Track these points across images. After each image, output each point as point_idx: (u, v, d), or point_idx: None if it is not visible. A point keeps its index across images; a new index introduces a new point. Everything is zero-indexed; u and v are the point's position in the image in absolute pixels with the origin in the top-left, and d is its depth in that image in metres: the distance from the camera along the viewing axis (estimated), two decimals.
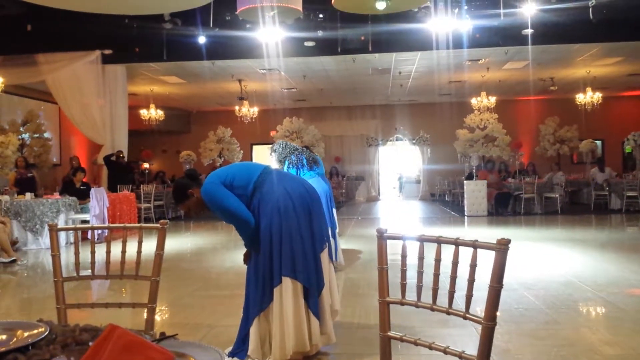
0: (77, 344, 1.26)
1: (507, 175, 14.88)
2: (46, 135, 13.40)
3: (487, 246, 1.60)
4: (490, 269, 1.57)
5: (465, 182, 13.26)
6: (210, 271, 6.77)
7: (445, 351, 1.69)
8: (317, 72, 13.85)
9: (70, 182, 10.70)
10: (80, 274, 2.28)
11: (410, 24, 10.15)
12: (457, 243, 1.68)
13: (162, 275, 2.24)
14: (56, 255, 2.19)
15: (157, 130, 17.45)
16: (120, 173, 12.52)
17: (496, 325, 1.59)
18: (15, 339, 1.28)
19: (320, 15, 10.47)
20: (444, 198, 18.55)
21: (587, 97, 14.99)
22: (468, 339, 3.68)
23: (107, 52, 11.48)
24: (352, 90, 16.71)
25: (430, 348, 1.73)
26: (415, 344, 1.77)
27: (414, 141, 19.30)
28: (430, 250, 1.70)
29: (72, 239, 8.73)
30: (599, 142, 18.81)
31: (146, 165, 19.00)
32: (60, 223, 8.82)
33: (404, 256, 1.84)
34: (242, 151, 17.35)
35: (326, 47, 11.23)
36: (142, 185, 13.15)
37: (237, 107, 16.12)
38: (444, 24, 9.69)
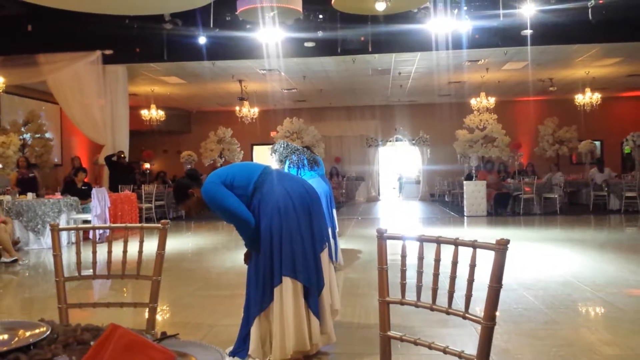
0: (79, 343, 1.26)
1: (506, 176, 14.88)
2: (47, 135, 13.41)
3: (486, 246, 1.61)
4: (489, 269, 1.58)
5: (464, 182, 13.27)
6: (211, 271, 6.77)
7: (444, 351, 1.70)
8: (317, 72, 13.85)
9: (71, 182, 10.71)
10: (82, 274, 2.29)
11: (410, 25, 10.16)
12: (456, 243, 1.70)
13: (163, 275, 2.25)
14: (58, 255, 2.20)
15: (157, 131, 17.45)
16: (122, 173, 12.53)
17: (495, 325, 1.60)
18: (16, 339, 1.28)
19: (320, 16, 10.48)
20: (443, 198, 18.55)
21: (586, 98, 14.99)
22: (467, 338, 3.69)
23: (108, 52, 11.49)
24: (351, 90, 16.72)
25: (430, 348, 1.74)
26: (415, 343, 1.78)
27: (413, 142, 19.30)
28: (429, 250, 1.71)
29: (73, 239, 8.74)
30: (598, 143, 18.80)
31: (147, 165, 19.00)
32: (62, 223, 8.82)
33: (403, 256, 1.85)
34: (242, 151, 17.36)
35: (326, 48, 11.23)
36: (143, 186, 13.15)
37: (237, 108, 16.12)
38: (444, 25, 9.70)
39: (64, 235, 8.71)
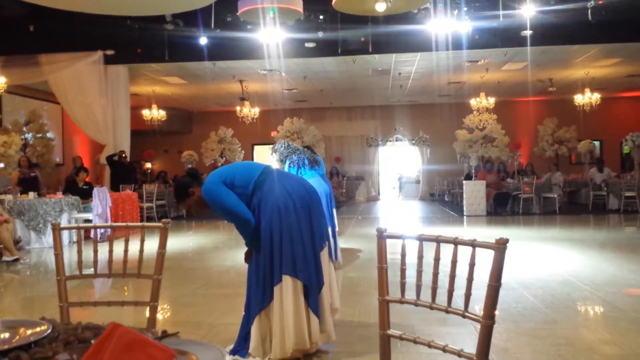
0: (80, 342, 1.27)
1: (505, 176, 14.88)
2: (49, 135, 13.43)
3: (485, 245, 1.62)
4: (489, 268, 1.59)
5: (464, 182, 13.27)
6: (211, 270, 6.78)
7: (444, 349, 1.71)
8: (318, 73, 13.86)
9: (73, 182, 10.72)
10: (83, 273, 2.30)
11: (410, 25, 10.16)
12: (456, 242, 1.70)
13: (164, 273, 2.26)
14: (59, 254, 2.21)
15: (159, 131, 17.46)
16: (123, 173, 12.55)
17: (495, 324, 1.61)
18: (17, 337, 1.29)
19: (321, 17, 10.49)
20: (443, 198, 18.55)
21: (586, 98, 14.98)
22: (467, 337, 3.70)
23: (109, 52, 11.49)
24: (352, 91, 16.72)
25: (430, 346, 1.75)
26: (415, 342, 1.79)
27: (413, 141, 19.30)
28: (429, 249, 1.72)
29: (74, 238, 8.75)
30: (597, 143, 18.81)
31: (148, 165, 19.01)
32: (63, 222, 8.83)
33: (403, 255, 1.86)
34: (243, 151, 17.36)
35: (326, 48, 11.24)
36: (144, 185, 13.17)
37: (238, 108, 16.12)
38: (444, 26, 9.71)
39: (65, 234, 8.73)
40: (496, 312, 1.63)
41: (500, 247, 1.58)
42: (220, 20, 10.14)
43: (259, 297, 3.19)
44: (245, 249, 3.39)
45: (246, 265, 3.37)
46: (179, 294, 5.34)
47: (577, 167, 17.85)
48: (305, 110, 19.20)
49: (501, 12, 9.58)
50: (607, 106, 16.69)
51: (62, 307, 2.18)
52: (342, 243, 8.13)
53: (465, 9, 9.91)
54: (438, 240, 1.76)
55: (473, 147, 14.28)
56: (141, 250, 2.22)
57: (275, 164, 5.87)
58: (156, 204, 12.91)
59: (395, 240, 1.87)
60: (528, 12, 9.61)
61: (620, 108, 18.93)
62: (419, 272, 1.80)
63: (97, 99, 11.78)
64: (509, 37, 10.74)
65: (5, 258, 7.43)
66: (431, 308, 1.78)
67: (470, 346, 1.69)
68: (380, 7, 6.62)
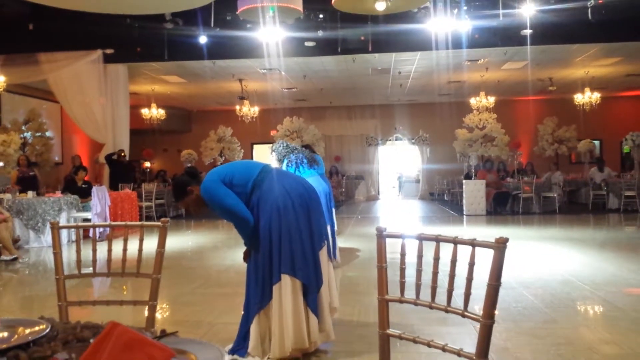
0: (79, 341, 1.27)
1: (505, 175, 14.89)
2: (48, 134, 13.41)
3: (485, 245, 1.61)
4: (488, 267, 1.58)
5: (464, 181, 13.27)
6: (210, 269, 6.78)
7: (443, 349, 1.71)
8: (317, 72, 13.85)
9: (72, 181, 10.71)
10: (82, 272, 2.29)
11: (410, 25, 10.16)
12: (455, 242, 1.70)
13: (163, 273, 2.26)
14: (58, 253, 2.21)
15: (158, 130, 17.45)
16: (122, 172, 12.54)
17: (494, 323, 1.61)
18: (16, 336, 1.29)
19: (321, 16, 10.48)
20: (443, 197, 18.55)
21: (586, 98, 14.98)
22: (466, 336, 3.70)
23: (109, 51, 11.48)
24: (352, 90, 16.72)
25: (429, 346, 1.75)
26: (414, 341, 1.79)
27: (413, 141, 19.30)
28: (429, 248, 1.72)
29: (73, 237, 8.76)
30: (597, 142, 18.81)
31: (147, 164, 19.01)
32: (62, 221, 8.82)
33: (403, 254, 1.86)
34: (242, 150, 17.36)
35: (326, 47, 11.23)
36: (143, 184, 13.17)
37: (237, 107, 16.12)
38: (443, 25, 9.70)
39: (64, 233, 8.72)
40: (496, 312, 1.62)
41: (500, 246, 1.57)
42: (220, 19, 10.13)
43: (258, 296, 3.19)
44: (244, 248, 3.39)
45: (245, 265, 3.37)
46: (178, 293, 5.34)
47: (577, 167, 17.85)
48: (305, 109, 19.19)
49: (501, 11, 9.58)
50: (607, 105, 16.68)
51: (61, 306, 2.18)
52: (342, 242, 8.13)
53: (465, 8, 9.91)
54: (438, 240, 1.75)
55: (473, 146, 14.28)
56: (140, 250, 2.21)
57: (274, 164, 5.87)
58: (155, 203, 12.91)
59: (394, 239, 1.86)
60: (528, 11, 9.61)
61: (620, 107, 18.93)
62: (419, 272, 1.80)
63: (97, 98, 11.77)
64: (508, 36, 10.73)
65: (4, 257, 7.42)
66: (431, 307, 1.77)
67: (470, 345, 1.69)
68: (380, 6, 6.61)
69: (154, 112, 15.77)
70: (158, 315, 4.51)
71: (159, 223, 2.21)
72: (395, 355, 3.05)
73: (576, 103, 15.31)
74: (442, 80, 15.29)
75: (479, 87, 15.41)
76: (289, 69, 13.28)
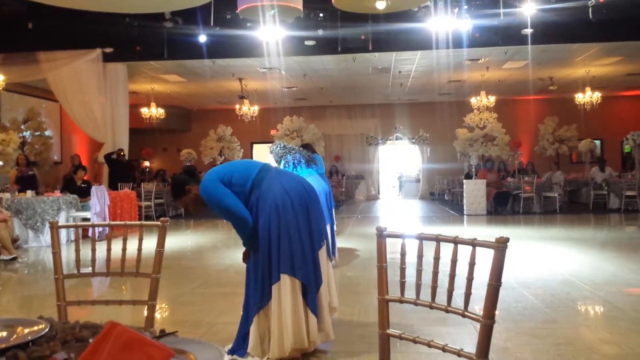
0: (77, 340, 1.26)
1: (506, 175, 14.88)
2: (47, 133, 13.40)
3: (486, 244, 1.61)
4: (489, 267, 1.58)
5: (464, 181, 13.27)
6: (210, 269, 6.78)
7: (444, 349, 1.70)
8: (318, 71, 13.85)
9: (71, 180, 10.70)
10: (81, 272, 2.29)
11: (410, 24, 10.15)
12: (456, 241, 1.69)
13: (163, 272, 2.25)
14: (57, 253, 2.20)
15: (157, 129, 17.45)
16: (121, 171, 12.53)
17: (495, 323, 1.60)
18: (15, 336, 1.28)
19: (321, 15, 10.47)
20: (443, 197, 18.55)
21: (586, 97, 14.98)
22: (467, 337, 3.70)
23: (108, 50, 11.47)
24: (352, 89, 16.71)
25: (429, 346, 1.74)
26: (414, 341, 1.78)
27: (413, 140, 19.30)
28: (429, 248, 1.71)
29: (72, 237, 8.75)
30: (597, 142, 18.81)
31: (147, 163, 19.00)
32: (61, 221, 8.82)
33: (403, 254, 1.85)
34: (242, 150, 17.35)
35: (326, 46, 11.22)
36: (142, 183, 13.16)
37: (237, 106, 16.11)
38: (444, 24, 9.69)
39: (63, 233, 8.72)
40: (496, 312, 1.62)
41: (500, 246, 1.57)
42: (220, 17, 10.13)
43: (258, 296, 3.18)
44: (243, 248, 3.38)
45: (244, 265, 3.36)
46: (178, 293, 5.33)
47: (578, 166, 17.85)
48: (305, 108, 19.19)
49: (502, 11, 9.57)
50: (607, 105, 16.68)
51: (60, 305, 2.17)
52: (342, 242, 8.13)
53: (465, 7, 9.90)
54: (438, 239, 1.75)
55: (473, 145, 14.26)
56: (139, 249, 2.21)
57: (273, 164, 5.87)
58: (155, 203, 12.90)
59: (395, 239, 1.86)
60: (529, 11, 9.60)
61: (621, 107, 18.93)
62: (419, 272, 1.79)
63: (96, 97, 11.76)
64: (509, 36, 10.72)
65: (3, 257, 7.42)
66: (431, 307, 1.77)
67: (470, 346, 1.68)
68: (381, 5, 6.60)
69: (153, 111, 15.77)
70: (157, 315, 4.50)
71: (158, 223, 2.21)
72: (395, 355, 3.05)
73: (577, 102, 15.30)
74: (442, 80, 15.29)
75: (480, 86, 15.41)
76: (289, 68, 13.27)
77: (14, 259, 7.42)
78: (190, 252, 8.47)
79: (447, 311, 1.73)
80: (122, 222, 2.33)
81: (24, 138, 12.58)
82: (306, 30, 10.68)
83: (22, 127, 12.80)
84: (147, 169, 18.42)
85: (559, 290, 5.11)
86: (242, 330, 3.27)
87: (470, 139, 14.46)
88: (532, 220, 11.68)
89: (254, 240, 3.21)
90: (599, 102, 14.96)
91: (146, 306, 2.17)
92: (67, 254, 7.69)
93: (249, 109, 15.92)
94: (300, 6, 6.26)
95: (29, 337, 1.24)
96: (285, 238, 3.14)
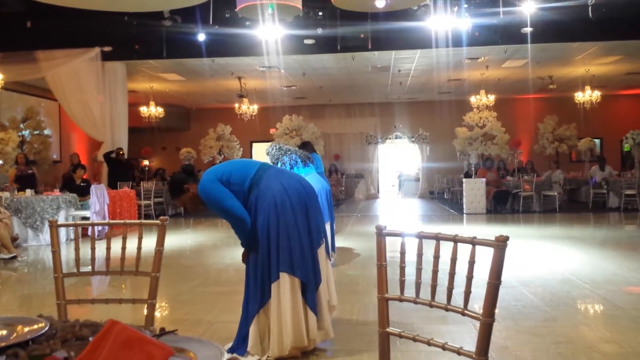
0: (77, 339, 1.26)
1: (505, 174, 14.89)
2: (46, 132, 13.39)
3: (485, 243, 1.61)
4: (488, 266, 1.58)
5: (464, 180, 13.27)
6: (210, 267, 6.78)
7: (443, 347, 1.70)
8: (317, 69, 13.84)
9: (70, 179, 10.69)
10: (81, 270, 2.29)
11: (410, 22, 10.14)
12: (455, 240, 1.69)
13: (162, 271, 2.25)
14: (56, 251, 2.20)
15: (156, 128, 17.44)
16: (120, 170, 12.53)
17: (494, 321, 1.60)
18: (15, 334, 1.28)
19: (320, 13, 10.46)
20: (442, 196, 18.55)
21: (586, 96, 14.99)
22: (466, 335, 3.70)
23: (107, 49, 11.46)
24: (351, 88, 16.70)
25: (429, 344, 1.74)
26: (414, 340, 1.78)
27: (413, 139, 19.30)
28: (429, 247, 1.71)
29: (72, 236, 8.75)
30: (597, 141, 18.81)
31: (146, 162, 18.99)
32: (61, 219, 8.81)
33: (402, 253, 1.85)
34: (241, 148, 17.34)
35: (326, 45, 11.21)
36: (142, 182, 13.15)
37: (236, 105, 16.11)
38: (444, 22, 9.68)
39: (62, 231, 8.72)
40: (496, 310, 1.61)
41: (500, 244, 1.56)
42: (219, 16, 10.11)
43: (257, 295, 3.18)
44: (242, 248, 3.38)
45: (244, 264, 3.36)
46: (177, 292, 5.33)
47: (578, 165, 17.85)
48: (304, 107, 19.17)
49: (501, 9, 9.56)
50: (607, 104, 16.68)
51: (60, 304, 2.17)
52: (341, 241, 8.14)
53: (465, 5, 9.89)
54: (437, 238, 1.74)
55: (473, 144, 14.27)
56: (139, 248, 2.21)
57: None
58: (154, 202, 12.90)
59: (394, 238, 1.85)
60: (528, 9, 9.59)
61: (620, 106, 18.94)
62: (419, 270, 1.79)
63: (95, 96, 11.75)
64: (509, 34, 10.72)
65: (2, 255, 7.41)
66: (430, 306, 1.76)
67: (470, 344, 1.68)
68: (380, 4, 6.60)
69: (152, 110, 15.76)
70: (157, 314, 4.50)
71: (158, 221, 2.20)
72: (395, 353, 3.05)
73: (576, 101, 15.31)
74: (442, 79, 15.28)
75: (479, 85, 15.41)
76: (288, 66, 13.26)
77: (14, 257, 7.41)
78: (189, 250, 8.47)
79: (446, 310, 1.73)
80: (122, 221, 2.32)
81: (23, 137, 12.58)
82: (305, 29, 10.67)
83: (21, 126, 12.79)
84: (147, 168, 18.41)
85: (558, 289, 5.11)
86: (242, 332, 3.27)
87: (469, 138, 14.46)
88: (531, 219, 11.68)
89: (252, 241, 3.21)
90: (598, 101, 14.96)
91: (146, 305, 2.17)
92: (67, 252, 7.68)
93: (248, 108, 15.91)
94: (299, 5, 6.25)
95: (29, 336, 1.24)
96: (284, 236, 3.14)
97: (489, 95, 15.25)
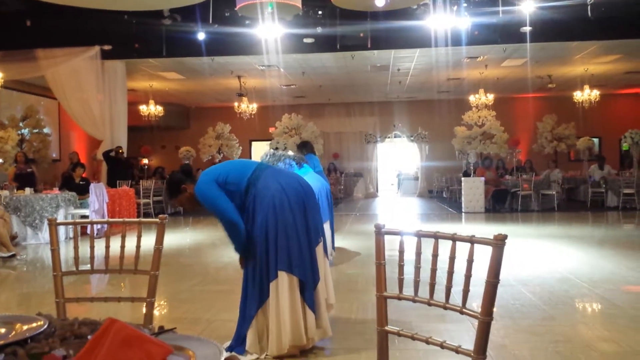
0: (76, 337, 1.26)
1: (504, 172, 14.89)
2: (45, 130, 13.39)
3: (484, 241, 1.61)
4: (487, 264, 1.58)
5: (462, 179, 13.28)
6: (209, 266, 6.78)
7: (442, 346, 1.70)
8: (316, 68, 13.84)
9: (69, 178, 10.69)
10: (80, 269, 2.29)
11: (409, 21, 10.15)
12: (454, 238, 1.69)
13: (161, 269, 2.25)
14: (55, 250, 2.20)
15: (156, 126, 17.42)
16: (120, 168, 12.53)
17: (492, 320, 1.60)
18: (14, 332, 1.28)
19: (320, 12, 10.47)
20: (441, 195, 18.57)
21: (585, 95, 14.99)
22: (465, 333, 3.70)
23: (107, 47, 11.45)
24: (350, 87, 16.70)
25: (427, 342, 1.75)
26: (412, 338, 1.79)
27: (412, 138, 19.29)
28: (427, 245, 1.71)
29: (71, 234, 8.73)
30: (596, 140, 18.81)
31: (145, 160, 18.98)
32: (60, 218, 8.81)
33: (401, 251, 1.85)
34: (241, 147, 17.34)
35: (325, 44, 11.22)
36: (141, 181, 13.15)
37: (236, 104, 16.10)
38: (443, 21, 9.69)
39: (61, 230, 8.71)
40: (494, 309, 1.62)
41: (498, 243, 1.57)
42: (219, 15, 10.11)
43: (256, 294, 3.19)
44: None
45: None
46: (176, 290, 5.33)
47: (576, 164, 17.86)
48: (303, 106, 19.17)
49: (501, 8, 9.57)
50: (606, 103, 16.70)
51: (59, 302, 2.17)
52: (340, 240, 8.14)
53: (464, 5, 9.90)
54: (436, 237, 1.75)
55: (472, 143, 14.27)
56: (138, 246, 2.21)
57: None
58: (153, 200, 12.89)
59: (393, 236, 1.86)
60: (527, 9, 9.60)
61: (619, 105, 18.95)
62: (417, 269, 1.79)
63: (94, 95, 11.74)
64: (508, 34, 10.72)
65: (1, 254, 7.41)
66: (429, 304, 1.77)
67: (468, 342, 1.69)
68: (380, 3, 6.60)
69: (152, 109, 15.75)
70: (156, 312, 4.50)
71: (157, 220, 2.20)
72: (394, 352, 3.05)
73: (575, 100, 15.31)
74: (441, 78, 15.29)
75: (478, 84, 15.41)
76: (287, 65, 13.26)
77: (13, 256, 7.41)
78: (189, 249, 8.47)
79: (445, 308, 1.73)
80: (121, 220, 2.33)
81: (22, 135, 12.57)
82: (305, 28, 10.67)
83: (21, 124, 12.79)
84: (146, 167, 18.39)
85: (557, 288, 5.11)
86: (241, 328, 3.27)
87: (468, 137, 14.47)
88: (530, 218, 11.69)
89: (245, 247, 3.21)
90: (597, 100, 14.97)
91: (145, 303, 2.17)
92: (66, 251, 7.68)
93: (247, 107, 15.91)
94: (299, 4, 6.25)
95: (28, 334, 1.24)
96: (283, 236, 3.14)
97: (488, 95, 15.25)
